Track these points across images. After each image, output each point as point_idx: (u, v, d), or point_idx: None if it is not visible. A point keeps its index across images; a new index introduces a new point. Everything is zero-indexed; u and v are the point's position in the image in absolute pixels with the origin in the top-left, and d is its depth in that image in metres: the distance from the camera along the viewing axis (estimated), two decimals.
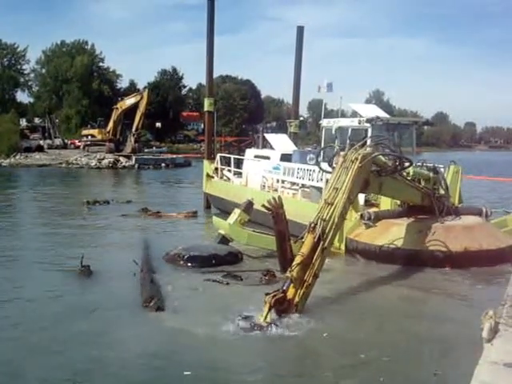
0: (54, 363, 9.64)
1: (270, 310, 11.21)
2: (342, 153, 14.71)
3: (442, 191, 17.72)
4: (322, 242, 12.34)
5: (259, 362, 9.97)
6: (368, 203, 19.13)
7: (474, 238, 16.64)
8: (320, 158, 21.97)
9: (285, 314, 11.55)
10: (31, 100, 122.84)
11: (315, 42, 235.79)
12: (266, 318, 11.12)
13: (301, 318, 11.62)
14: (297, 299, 11.91)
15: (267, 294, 11.68)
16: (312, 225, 12.52)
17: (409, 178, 16.66)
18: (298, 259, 12.10)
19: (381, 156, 14.79)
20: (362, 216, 17.25)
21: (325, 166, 20.50)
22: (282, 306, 11.51)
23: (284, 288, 11.62)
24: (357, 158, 13.53)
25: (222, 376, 9.23)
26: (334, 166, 14.95)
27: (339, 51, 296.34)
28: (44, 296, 13.36)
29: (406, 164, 15.69)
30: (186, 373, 9.19)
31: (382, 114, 21.37)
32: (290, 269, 12.03)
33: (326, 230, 12.51)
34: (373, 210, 18.03)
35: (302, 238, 12.89)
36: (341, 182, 13.24)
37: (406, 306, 13.42)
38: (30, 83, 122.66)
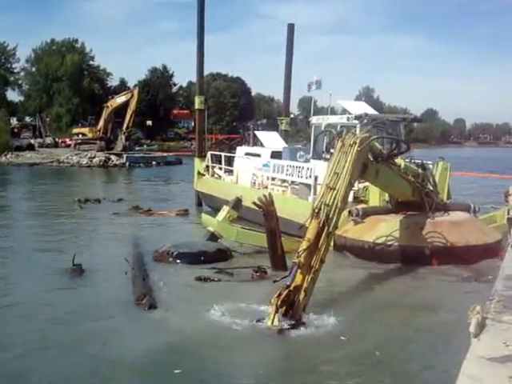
0: (46, 363, 9.66)
1: (276, 312, 11.08)
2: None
3: (430, 187, 17.82)
4: (326, 227, 12.36)
5: (251, 360, 9.96)
6: (356, 199, 19.24)
7: (461, 233, 16.75)
8: (310, 155, 22.17)
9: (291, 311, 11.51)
10: (21, 99, 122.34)
11: (307, 40, 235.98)
12: (273, 321, 11.01)
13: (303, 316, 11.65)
14: (305, 285, 11.88)
15: (275, 281, 11.84)
16: (316, 210, 12.52)
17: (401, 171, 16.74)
18: (304, 244, 12.01)
19: (376, 144, 14.82)
20: (350, 212, 17.29)
21: (314, 162, 20.69)
22: (288, 303, 11.41)
23: (288, 283, 11.56)
24: (355, 142, 13.46)
25: (214, 376, 9.23)
26: (332, 151, 14.90)
27: (330, 48, 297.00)
28: (36, 295, 13.37)
29: (404, 148, 15.79)
30: (176, 371, 9.23)
31: (371, 111, 21.46)
32: (296, 255, 11.95)
33: (330, 215, 12.48)
34: (361, 206, 18.15)
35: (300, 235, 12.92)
36: (341, 167, 13.18)
37: (399, 301, 13.48)
38: (20, 82, 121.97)
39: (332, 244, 17.33)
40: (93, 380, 9.07)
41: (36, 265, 16.41)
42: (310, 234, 12.23)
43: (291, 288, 11.48)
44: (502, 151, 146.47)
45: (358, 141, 13.50)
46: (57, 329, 11.20)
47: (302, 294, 11.82)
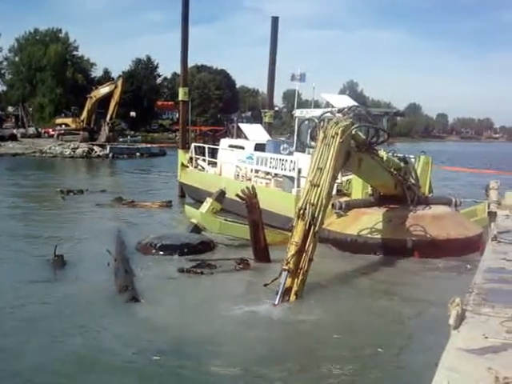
0: (25, 356, 9.56)
1: None
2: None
3: (412, 181, 17.93)
4: (313, 227, 12.42)
5: (231, 349, 9.96)
6: (340, 192, 19.32)
7: (442, 227, 16.90)
8: (293, 148, 22.19)
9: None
10: (4, 88, 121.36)
11: (292, 33, 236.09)
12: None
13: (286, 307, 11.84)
14: (295, 288, 12.08)
15: (266, 285, 12.17)
16: (301, 211, 12.57)
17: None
18: (292, 249, 12.16)
19: (359, 132, 14.84)
20: (333, 205, 17.34)
21: (298, 155, 20.75)
22: None
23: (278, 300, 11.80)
24: (337, 133, 13.36)
25: (194, 365, 9.23)
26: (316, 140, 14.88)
27: (315, 42, 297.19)
28: (16, 286, 13.26)
29: (383, 136, 15.89)
30: (155, 357, 9.26)
31: None
32: (285, 260, 12.10)
33: (316, 214, 12.53)
34: (344, 199, 18.22)
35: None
36: (324, 161, 13.13)
37: (382, 293, 13.53)
38: (2, 71, 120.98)
39: None
40: (73, 371, 9.04)
41: (16, 255, 16.34)
42: (297, 237, 12.30)
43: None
44: (484, 146, 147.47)
45: (339, 131, 13.40)
46: (37, 321, 11.10)
47: (293, 297, 11.98)
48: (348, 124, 13.89)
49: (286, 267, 11.95)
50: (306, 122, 19.18)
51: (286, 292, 11.99)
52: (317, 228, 12.52)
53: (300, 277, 12.16)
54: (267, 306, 11.66)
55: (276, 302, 11.69)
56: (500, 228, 10.04)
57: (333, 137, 13.36)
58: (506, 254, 7.87)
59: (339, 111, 18.81)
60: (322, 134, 13.67)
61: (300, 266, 12.18)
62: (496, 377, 4.08)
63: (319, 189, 12.79)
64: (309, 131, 19.42)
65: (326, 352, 10.03)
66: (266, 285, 12.14)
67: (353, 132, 14.12)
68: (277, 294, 11.76)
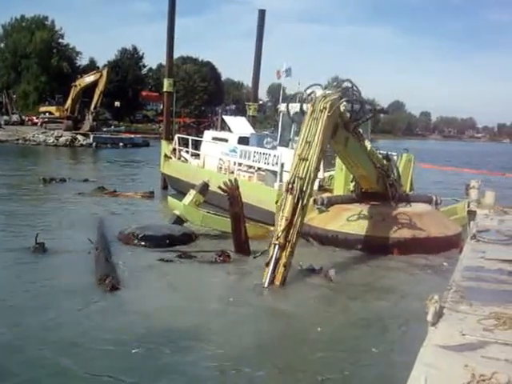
0: (5, 346, 9.44)
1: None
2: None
3: (394, 178, 17.98)
4: (301, 200, 12.66)
5: (211, 341, 9.91)
6: (322, 188, 19.35)
7: (422, 225, 16.98)
8: (277, 142, 22.21)
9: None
10: None
11: (278, 27, 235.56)
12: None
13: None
14: (284, 260, 12.33)
15: (255, 257, 13.07)
16: (290, 185, 12.76)
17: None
18: (283, 224, 12.48)
19: (347, 112, 14.93)
20: (315, 201, 17.39)
21: (281, 149, 20.78)
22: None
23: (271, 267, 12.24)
24: (325, 108, 13.53)
25: (172, 356, 9.21)
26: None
27: (302, 37, 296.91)
28: None
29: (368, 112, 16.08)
30: (134, 350, 9.23)
31: None
32: (275, 236, 12.46)
33: (304, 188, 12.78)
34: (326, 195, 18.25)
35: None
36: (312, 135, 13.32)
37: (361, 287, 13.55)
38: None
39: None
40: (50, 362, 8.94)
41: None
42: (287, 211, 12.57)
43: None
44: (466, 145, 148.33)
45: (327, 105, 13.57)
46: (16, 309, 11.05)
47: (282, 269, 12.28)
48: (336, 98, 14.08)
49: (277, 242, 12.21)
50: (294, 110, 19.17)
51: (272, 280, 12.30)
52: (305, 201, 12.83)
53: (288, 249, 12.47)
54: (247, 297, 11.75)
55: (266, 285, 12.18)
56: (479, 227, 10.13)
57: (321, 111, 13.55)
58: (485, 253, 7.94)
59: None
60: (310, 107, 13.88)
61: (288, 239, 12.45)
62: (472, 374, 4.14)
63: (307, 163, 13.01)
64: (293, 125, 19.47)
65: (308, 345, 10.07)
66: (255, 257, 12.49)
67: (341, 107, 14.25)
68: (265, 280, 12.24)
